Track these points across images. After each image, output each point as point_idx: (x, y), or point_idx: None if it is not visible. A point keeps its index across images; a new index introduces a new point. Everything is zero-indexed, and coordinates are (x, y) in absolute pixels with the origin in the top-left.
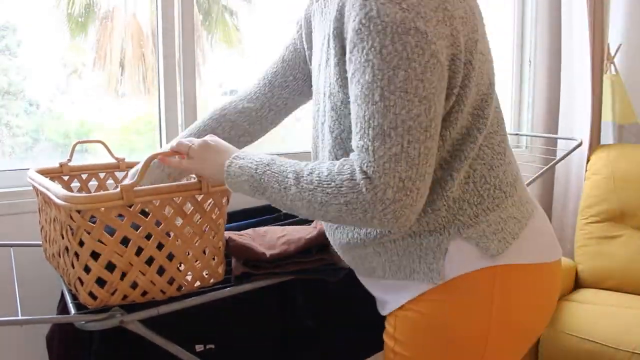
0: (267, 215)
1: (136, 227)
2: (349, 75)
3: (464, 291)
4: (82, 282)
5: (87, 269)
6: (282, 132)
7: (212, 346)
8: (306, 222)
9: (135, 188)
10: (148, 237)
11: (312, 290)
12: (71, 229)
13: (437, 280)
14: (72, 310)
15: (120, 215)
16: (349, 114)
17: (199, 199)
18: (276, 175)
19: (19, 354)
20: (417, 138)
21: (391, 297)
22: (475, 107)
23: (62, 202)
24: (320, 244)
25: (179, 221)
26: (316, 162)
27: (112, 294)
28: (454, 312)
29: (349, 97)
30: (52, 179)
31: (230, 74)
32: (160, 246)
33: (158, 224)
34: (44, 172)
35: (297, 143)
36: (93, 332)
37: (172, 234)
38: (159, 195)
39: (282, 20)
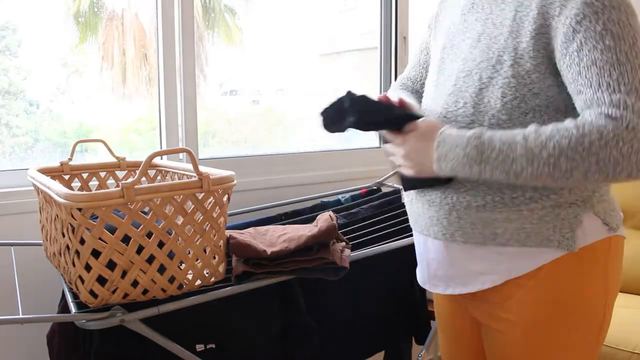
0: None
1: (137, 226)
2: (571, 44)
3: (587, 258)
4: (82, 281)
5: (88, 268)
6: (283, 132)
7: (213, 345)
8: (307, 221)
9: (136, 186)
10: (149, 235)
11: (313, 290)
12: (72, 227)
13: (573, 247)
14: (73, 309)
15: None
16: (530, 82)
17: (199, 197)
18: (498, 147)
19: (20, 353)
20: None
21: (505, 265)
22: None
23: (64, 200)
24: (321, 242)
25: (180, 219)
26: (537, 129)
27: (113, 292)
28: (579, 280)
29: (537, 68)
30: (53, 178)
31: (231, 74)
32: (161, 244)
33: (159, 222)
34: (44, 171)
35: (297, 143)
36: (93, 330)
37: (173, 233)
38: (159, 194)
39: (283, 20)
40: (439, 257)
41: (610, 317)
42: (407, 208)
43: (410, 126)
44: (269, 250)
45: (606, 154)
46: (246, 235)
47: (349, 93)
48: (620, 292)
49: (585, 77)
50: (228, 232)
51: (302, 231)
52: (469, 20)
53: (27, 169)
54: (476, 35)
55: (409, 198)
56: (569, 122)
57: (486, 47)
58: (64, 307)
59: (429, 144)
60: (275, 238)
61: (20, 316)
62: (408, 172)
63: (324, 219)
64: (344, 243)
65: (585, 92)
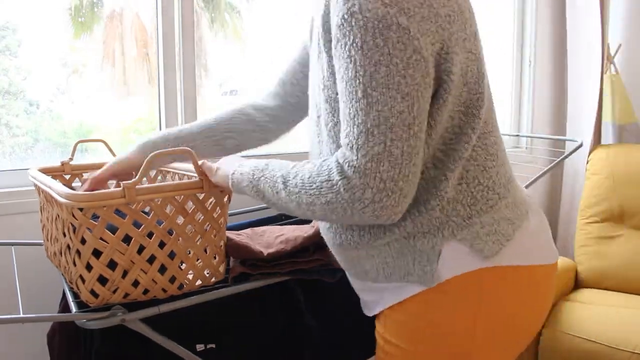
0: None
1: (138, 226)
2: (335, 71)
3: (453, 292)
4: (83, 280)
5: (88, 267)
6: None
7: (213, 345)
8: (305, 222)
9: (137, 186)
10: (150, 235)
11: (313, 290)
12: (73, 226)
13: (431, 282)
14: (74, 309)
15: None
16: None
17: (200, 198)
18: (268, 180)
19: (20, 353)
20: (399, 136)
21: (381, 298)
22: (467, 106)
23: (65, 200)
24: (317, 243)
25: (181, 220)
26: (301, 163)
27: (114, 292)
28: (443, 311)
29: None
30: (53, 177)
31: (231, 74)
32: (161, 245)
33: (160, 222)
34: (45, 171)
35: (297, 143)
36: (94, 330)
37: (173, 233)
38: (160, 194)
39: (283, 20)
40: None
41: (489, 352)
42: None
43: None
44: (265, 252)
45: (332, 198)
46: (243, 237)
47: None
48: (621, 292)
49: (341, 109)
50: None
51: (298, 232)
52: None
53: (28, 169)
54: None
55: None
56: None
57: (311, 71)
58: (64, 307)
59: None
60: (272, 239)
61: (21, 315)
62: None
63: None
64: None
65: (341, 126)
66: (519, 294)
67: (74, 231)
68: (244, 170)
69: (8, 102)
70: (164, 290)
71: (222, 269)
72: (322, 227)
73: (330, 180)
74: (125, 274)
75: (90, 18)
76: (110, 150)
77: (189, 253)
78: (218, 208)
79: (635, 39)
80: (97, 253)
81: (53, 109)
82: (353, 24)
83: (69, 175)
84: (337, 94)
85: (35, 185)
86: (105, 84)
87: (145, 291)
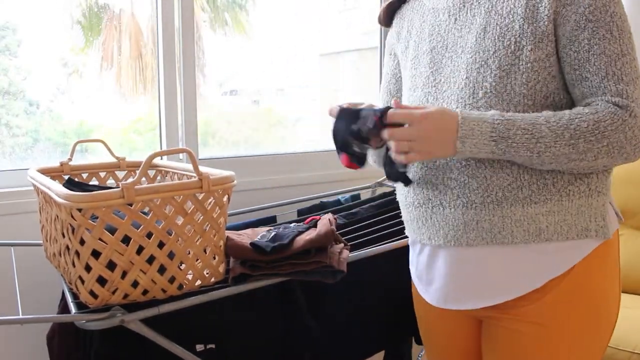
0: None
1: (137, 226)
2: (582, 32)
3: (608, 251)
4: (82, 281)
5: (88, 268)
6: (282, 132)
7: (213, 346)
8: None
9: (136, 186)
10: (149, 235)
11: (313, 290)
12: (72, 227)
13: (608, 235)
14: (73, 310)
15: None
16: (549, 65)
17: (199, 198)
18: (523, 127)
19: (20, 354)
20: None
21: (548, 264)
22: None
23: (64, 201)
24: (319, 246)
25: (180, 220)
26: (555, 114)
27: (113, 292)
28: (610, 271)
29: (554, 51)
30: (52, 178)
31: (231, 73)
32: (161, 245)
33: (159, 222)
34: (44, 172)
35: (297, 143)
36: (93, 331)
37: (173, 233)
38: (159, 194)
39: (283, 20)
40: (472, 268)
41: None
42: (415, 217)
43: (418, 109)
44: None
45: (615, 138)
46: (243, 237)
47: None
48: (621, 292)
49: (594, 64)
50: (225, 233)
51: (300, 234)
52: (463, 17)
53: (27, 169)
54: (480, 28)
55: (418, 204)
56: (581, 109)
57: (498, 36)
58: (64, 308)
59: (449, 123)
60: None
61: (20, 316)
62: (414, 158)
63: (323, 222)
64: (342, 244)
65: (592, 79)
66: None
67: (73, 232)
68: (477, 116)
69: (8, 102)
70: (164, 291)
71: (221, 269)
72: (501, 183)
73: (614, 122)
74: (124, 274)
75: (96, 24)
76: (110, 150)
77: (189, 253)
78: (217, 208)
79: (635, 39)
80: (96, 254)
81: (53, 109)
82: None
83: (68, 176)
84: (547, 54)
85: (34, 186)
86: (105, 84)
87: (145, 292)
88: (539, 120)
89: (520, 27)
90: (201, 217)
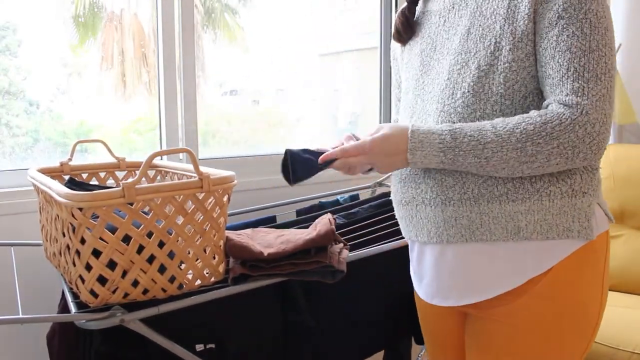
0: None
1: (137, 226)
2: (553, 29)
3: (593, 252)
4: (83, 280)
5: (88, 267)
6: (282, 132)
7: (212, 345)
8: (305, 225)
9: (137, 186)
10: (149, 235)
11: (313, 290)
12: (73, 226)
13: (592, 236)
14: (73, 309)
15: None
16: (529, 65)
17: (200, 197)
18: (469, 134)
19: (20, 353)
20: (612, 85)
21: (528, 263)
22: None
23: (64, 200)
24: (319, 245)
25: (180, 219)
26: (503, 119)
27: (113, 292)
28: (592, 274)
29: (533, 50)
30: (53, 178)
31: (231, 74)
32: (161, 244)
33: (159, 222)
34: (44, 171)
35: (297, 143)
36: (94, 330)
37: (173, 233)
38: (160, 194)
39: (283, 20)
40: (452, 265)
41: (602, 314)
42: (403, 215)
43: (367, 139)
44: (265, 252)
45: (565, 138)
46: (243, 237)
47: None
48: (621, 292)
49: (558, 61)
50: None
51: (300, 234)
52: (452, 18)
53: (27, 169)
54: (465, 30)
55: (405, 202)
56: (531, 112)
57: (480, 37)
58: (63, 307)
59: (399, 138)
60: (272, 239)
61: (20, 316)
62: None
63: (323, 222)
64: (342, 244)
65: (553, 77)
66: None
67: (74, 231)
68: (427, 129)
69: (8, 102)
70: (164, 290)
71: (221, 268)
72: (476, 180)
73: (562, 123)
74: (124, 274)
75: (93, 23)
76: (110, 150)
77: (189, 253)
78: (217, 208)
79: (635, 39)
80: (96, 253)
81: (53, 109)
82: None
83: (68, 176)
84: (526, 54)
85: (35, 186)
86: (105, 85)
87: (145, 291)
88: (486, 127)
89: (500, 28)
90: (201, 217)
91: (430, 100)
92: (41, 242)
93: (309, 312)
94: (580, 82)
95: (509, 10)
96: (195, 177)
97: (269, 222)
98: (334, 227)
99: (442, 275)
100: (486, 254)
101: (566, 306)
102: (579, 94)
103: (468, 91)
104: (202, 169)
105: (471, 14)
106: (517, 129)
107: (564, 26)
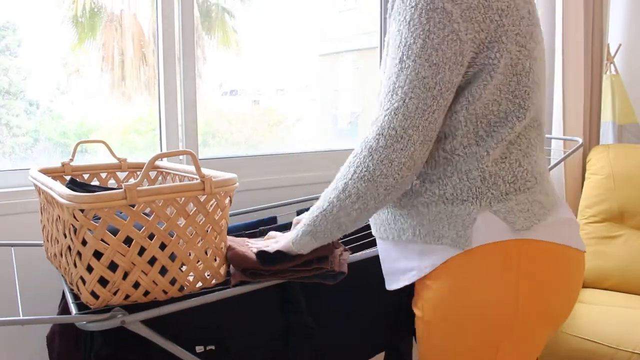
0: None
1: (139, 227)
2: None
3: (489, 258)
4: (84, 282)
5: (89, 269)
6: (283, 132)
7: (213, 347)
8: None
9: (138, 188)
10: (151, 237)
11: (313, 291)
12: (74, 228)
13: (464, 245)
14: (74, 310)
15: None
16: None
17: (201, 200)
18: (307, 222)
19: (20, 354)
20: (417, 95)
21: (415, 265)
22: (515, 96)
23: (66, 201)
24: (320, 256)
25: (182, 221)
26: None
27: (114, 293)
28: (481, 277)
29: None
30: (54, 178)
31: (231, 74)
32: (162, 246)
33: (160, 224)
34: (45, 172)
35: (297, 143)
36: (94, 332)
37: (174, 234)
38: (162, 195)
39: (283, 20)
40: (381, 255)
41: (528, 331)
42: None
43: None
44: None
45: (358, 162)
46: (244, 247)
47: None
48: (621, 292)
49: (382, 84)
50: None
51: None
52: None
53: (28, 169)
54: None
55: None
56: None
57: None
58: (64, 308)
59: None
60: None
61: (21, 317)
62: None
63: None
64: (342, 248)
65: None
66: (555, 270)
67: (75, 232)
68: (300, 229)
69: (8, 102)
70: (165, 292)
71: (222, 270)
72: None
73: (356, 153)
74: (125, 275)
75: (92, 23)
76: (111, 151)
77: (190, 255)
78: (219, 210)
79: (635, 39)
80: (97, 254)
81: (53, 109)
82: (407, 4)
83: (69, 176)
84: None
85: (36, 186)
86: (105, 85)
87: (146, 293)
88: (320, 202)
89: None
90: (203, 219)
91: None
92: (42, 242)
93: (309, 313)
94: (384, 96)
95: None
96: (196, 178)
97: (270, 222)
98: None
99: (382, 264)
100: (391, 249)
101: (453, 308)
102: (381, 109)
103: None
104: (204, 170)
105: None
106: (337, 177)
107: (388, 47)
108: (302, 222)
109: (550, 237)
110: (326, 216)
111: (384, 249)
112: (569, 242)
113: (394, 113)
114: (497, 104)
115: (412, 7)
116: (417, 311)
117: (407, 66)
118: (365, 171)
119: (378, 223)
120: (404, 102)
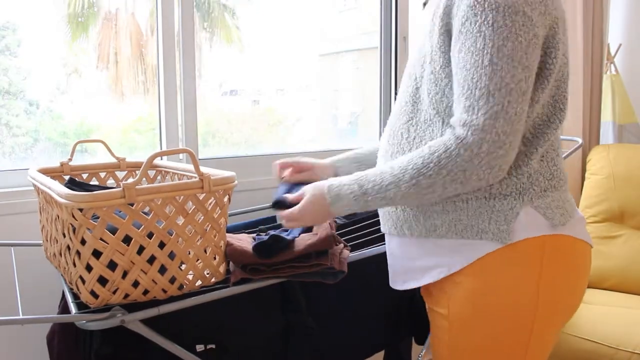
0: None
1: (138, 226)
2: (456, 45)
3: (529, 252)
4: (83, 281)
5: (88, 268)
6: (283, 132)
7: (213, 346)
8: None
9: (137, 186)
10: (150, 236)
11: (313, 290)
12: (73, 227)
13: (506, 240)
14: (73, 310)
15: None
16: (445, 77)
17: (200, 198)
18: (372, 179)
19: (20, 354)
20: (515, 99)
21: (444, 261)
22: (556, 100)
23: (65, 201)
24: (319, 250)
25: (181, 220)
26: (399, 159)
27: (114, 292)
28: (512, 274)
29: (448, 62)
30: (53, 178)
31: (231, 74)
32: (161, 245)
33: (160, 223)
34: (45, 172)
35: (297, 143)
36: (94, 331)
37: (173, 233)
38: (160, 194)
39: (282, 20)
40: (395, 252)
41: (546, 328)
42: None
43: (297, 196)
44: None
45: (453, 165)
46: (243, 242)
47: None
48: (621, 292)
49: (457, 78)
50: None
51: (300, 239)
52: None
53: (27, 169)
54: (420, 43)
55: None
56: (424, 146)
57: (418, 50)
58: (64, 308)
59: (319, 197)
60: None
61: (20, 317)
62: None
63: (324, 226)
64: (342, 245)
65: (455, 94)
66: (574, 266)
67: (74, 232)
68: (339, 182)
69: (8, 102)
70: (164, 291)
71: (222, 269)
72: None
73: (447, 150)
74: (125, 274)
75: (87, 20)
76: (110, 150)
77: (189, 253)
78: (218, 208)
79: (635, 39)
80: (97, 254)
81: (53, 109)
82: (486, 6)
83: (68, 176)
84: (441, 66)
85: (35, 186)
86: (104, 84)
87: (145, 292)
88: (385, 169)
89: (424, 41)
90: (202, 218)
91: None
92: (41, 242)
93: (309, 312)
94: (471, 100)
95: (431, 22)
96: (195, 177)
97: (270, 222)
98: (334, 231)
99: (392, 262)
100: (414, 246)
101: (485, 305)
102: (470, 112)
103: (408, 100)
104: (203, 169)
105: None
106: (409, 165)
107: (463, 42)
108: (365, 193)
109: (578, 233)
110: (394, 197)
111: (401, 247)
112: (587, 239)
113: (495, 117)
114: (543, 107)
115: (493, 9)
116: (441, 309)
117: (499, 68)
118: (462, 174)
119: (401, 220)
120: (503, 106)
